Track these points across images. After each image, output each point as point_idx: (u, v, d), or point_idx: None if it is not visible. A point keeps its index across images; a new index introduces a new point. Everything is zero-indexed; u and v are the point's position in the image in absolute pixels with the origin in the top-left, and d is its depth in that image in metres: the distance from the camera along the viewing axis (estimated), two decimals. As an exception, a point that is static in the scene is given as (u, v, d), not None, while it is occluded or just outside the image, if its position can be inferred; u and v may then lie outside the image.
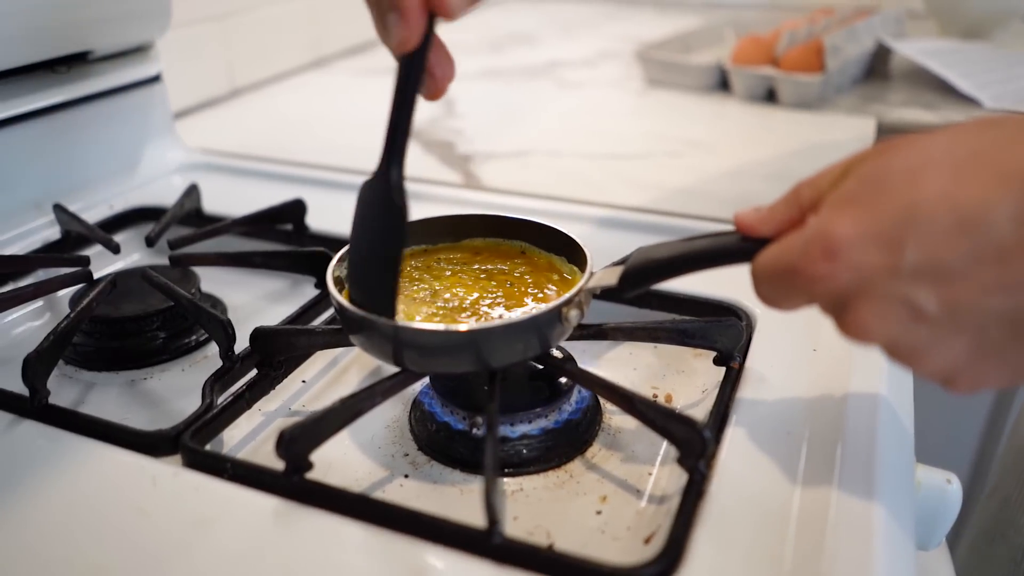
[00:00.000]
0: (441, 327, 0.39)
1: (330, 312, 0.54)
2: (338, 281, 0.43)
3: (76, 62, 0.66)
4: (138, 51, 0.72)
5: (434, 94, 0.39)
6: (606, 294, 0.41)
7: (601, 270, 0.41)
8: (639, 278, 0.38)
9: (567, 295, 0.39)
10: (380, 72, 1.19)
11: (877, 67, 1.08)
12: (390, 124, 0.38)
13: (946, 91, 0.97)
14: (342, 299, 0.40)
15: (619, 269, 0.39)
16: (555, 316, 0.39)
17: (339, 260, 0.44)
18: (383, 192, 0.38)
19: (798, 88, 0.94)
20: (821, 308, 0.33)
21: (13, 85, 0.62)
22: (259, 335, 0.45)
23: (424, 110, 0.98)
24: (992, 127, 0.30)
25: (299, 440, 0.36)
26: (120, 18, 0.67)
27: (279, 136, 0.91)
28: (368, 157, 0.90)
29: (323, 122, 0.97)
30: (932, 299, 0.29)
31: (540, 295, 0.44)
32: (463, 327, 0.38)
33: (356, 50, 1.32)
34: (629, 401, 0.38)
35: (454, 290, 0.44)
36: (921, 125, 0.88)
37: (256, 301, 0.60)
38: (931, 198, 0.29)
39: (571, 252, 0.46)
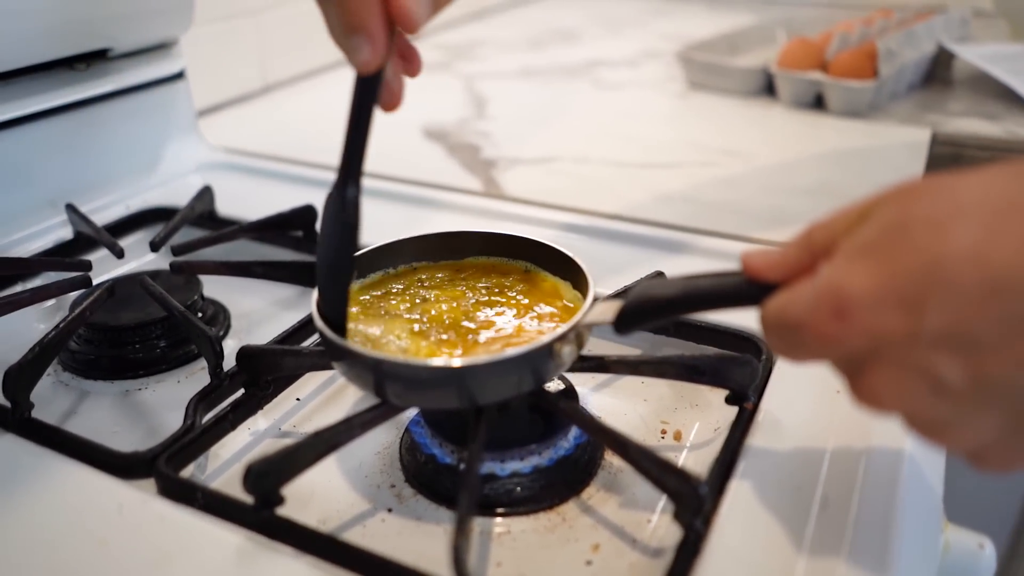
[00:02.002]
0: (425, 362, 0.36)
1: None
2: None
3: (95, 59, 0.66)
4: (160, 48, 0.71)
5: (390, 106, 0.39)
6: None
7: (599, 303, 0.38)
8: (637, 317, 0.36)
9: (560, 330, 0.36)
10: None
11: (938, 73, 1.02)
12: (346, 142, 0.37)
13: (1013, 100, 0.90)
14: (324, 327, 0.38)
15: (617, 304, 0.36)
16: (547, 352, 0.36)
17: (329, 280, 0.42)
18: (338, 209, 0.37)
19: (848, 95, 0.89)
20: (833, 368, 0.30)
21: (31, 82, 0.62)
22: (246, 354, 0.43)
23: (454, 111, 0.96)
24: (1032, 171, 0.26)
25: (268, 475, 0.34)
26: (140, 15, 0.66)
27: (309, 135, 0.89)
28: (400, 158, 0.86)
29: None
30: (956, 370, 0.26)
31: (537, 324, 0.41)
32: (450, 362, 0.36)
33: (395, 45, 1.30)
34: (623, 447, 0.35)
35: (442, 309, 0.42)
36: (981, 137, 0.82)
37: (266, 307, 0.59)
38: (958, 255, 0.25)
39: (575, 277, 0.43)
